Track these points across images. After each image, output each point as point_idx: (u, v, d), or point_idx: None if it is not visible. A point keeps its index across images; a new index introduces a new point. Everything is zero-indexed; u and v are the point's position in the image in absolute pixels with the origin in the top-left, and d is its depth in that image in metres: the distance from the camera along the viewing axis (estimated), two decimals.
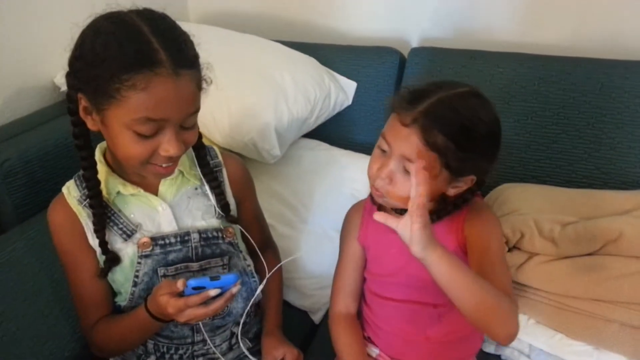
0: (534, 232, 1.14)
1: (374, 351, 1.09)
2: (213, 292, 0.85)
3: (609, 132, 1.34)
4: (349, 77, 1.62)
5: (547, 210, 1.21)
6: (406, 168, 0.85)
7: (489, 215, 0.96)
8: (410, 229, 0.78)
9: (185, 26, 0.87)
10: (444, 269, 0.80)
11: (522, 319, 1.15)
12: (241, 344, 1.02)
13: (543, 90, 1.40)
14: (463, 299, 0.81)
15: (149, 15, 0.82)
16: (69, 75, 0.85)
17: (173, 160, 0.89)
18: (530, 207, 1.22)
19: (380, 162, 0.88)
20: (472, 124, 0.84)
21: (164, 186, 0.99)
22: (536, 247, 1.14)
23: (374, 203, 0.99)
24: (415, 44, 1.69)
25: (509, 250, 1.17)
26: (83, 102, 0.84)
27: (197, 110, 0.87)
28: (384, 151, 0.89)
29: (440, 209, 0.93)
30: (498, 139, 0.89)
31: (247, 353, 1.03)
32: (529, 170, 1.41)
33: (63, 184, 0.99)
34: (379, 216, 0.82)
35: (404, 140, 0.85)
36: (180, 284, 0.84)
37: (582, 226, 1.14)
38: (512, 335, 0.85)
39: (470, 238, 0.93)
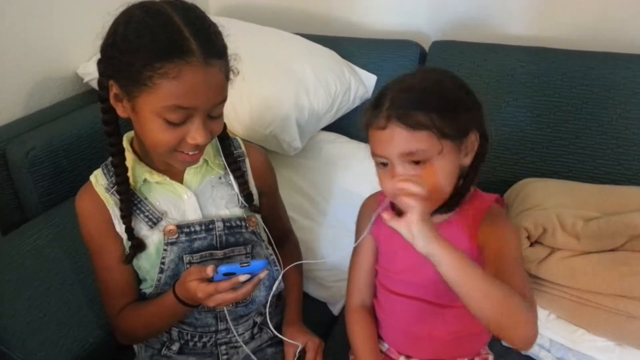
0: (557, 227, 1.14)
1: (384, 346, 1.09)
2: (243, 278, 0.87)
3: (632, 128, 1.33)
4: (369, 71, 1.61)
5: (570, 206, 1.20)
6: (413, 161, 0.84)
7: (506, 222, 0.94)
8: (409, 224, 0.78)
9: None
10: (450, 264, 0.77)
11: (543, 313, 1.15)
12: (269, 323, 1.02)
13: (566, 84, 1.39)
14: (473, 298, 0.78)
15: (180, 6, 0.83)
16: (100, 63, 0.86)
17: (200, 149, 0.91)
18: (552, 202, 1.21)
19: (389, 175, 0.86)
20: (436, 86, 0.85)
21: (189, 175, 1.00)
22: (558, 242, 1.14)
23: (392, 207, 0.94)
24: (435, 37, 1.68)
25: (531, 244, 1.16)
26: (114, 89, 0.86)
27: (225, 99, 0.89)
28: (384, 164, 0.87)
29: (448, 199, 0.90)
30: (466, 88, 0.89)
31: (274, 332, 1.04)
32: (551, 165, 1.40)
33: (87, 173, 1.01)
34: (386, 215, 0.81)
35: (391, 141, 0.84)
36: (210, 270, 0.85)
37: (605, 221, 1.13)
38: (528, 339, 0.81)
39: (486, 246, 0.90)
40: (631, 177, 1.33)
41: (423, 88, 0.85)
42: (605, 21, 1.51)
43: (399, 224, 0.79)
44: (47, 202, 1.22)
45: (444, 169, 0.85)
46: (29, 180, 1.19)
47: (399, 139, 0.83)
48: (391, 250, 1.03)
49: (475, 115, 0.88)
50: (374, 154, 0.88)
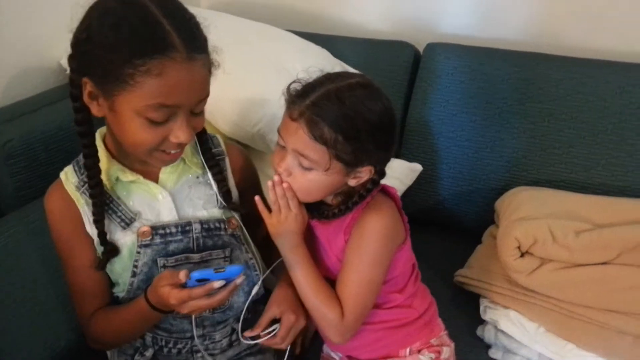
0: (548, 238, 1.11)
1: (337, 354, 1.08)
2: (217, 284, 0.83)
3: (628, 139, 1.31)
4: (361, 71, 1.57)
5: (562, 216, 1.17)
6: (301, 163, 0.86)
7: (370, 221, 0.91)
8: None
9: (196, 11, 0.84)
10: (288, 264, 0.93)
11: (532, 326, 1.13)
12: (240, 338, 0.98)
13: (561, 92, 1.36)
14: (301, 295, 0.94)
15: None
16: (72, 59, 0.82)
17: (182, 147, 0.88)
18: (544, 212, 1.19)
19: (280, 157, 0.89)
20: (357, 114, 0.83)
21: (165, 174, 0.96)
22: (549, 253, 1.11)
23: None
24: (430, 39, 1.66)
25: (522, 255, 1.14)
26: (88, 87, 0.82)
27: (208, 95, 0.86)
28: (283, 147, 0.89)
29: (347, 200, 0.92)
30: (390, 129, 0.88)
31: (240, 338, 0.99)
32: (544, 174, 1.37)
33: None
34: (257, 200, 0.92)
35: (293, 135, 0.85)
36: (182, 275, 0.82)
37: (597, 234, 1.11)
38: (334, 341, 0.94)
39: (348, 242, 0.93)
40: (624, 189, 1.31)
41: (347, 107, 0.82)
42: (602, 29, 1.49)
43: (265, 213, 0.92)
44: (23, 197, 1.17)
45: (319, 183, 0.88)
46: (5, 173, 1.14)
47: (300, 138, 0.84)
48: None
49: (380, 154, 0.88)
50: (278, 131, 0.89)
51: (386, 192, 0.97)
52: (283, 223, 0.90)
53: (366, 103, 0.84)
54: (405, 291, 1.00)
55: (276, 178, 0.89)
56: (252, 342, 0.97)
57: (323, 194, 0.91)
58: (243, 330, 0.98)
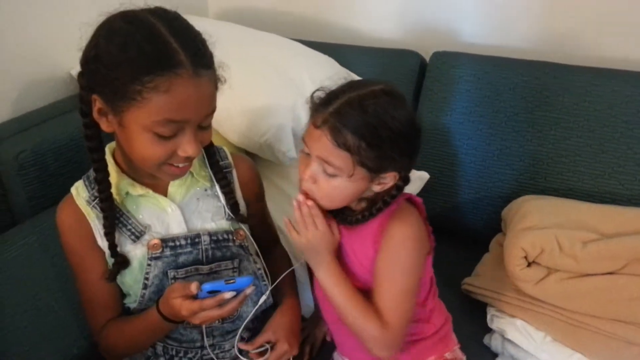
0: (555, 247, 1.11)
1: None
2: (228, 295, 0.85)
3: (635, 148, 1.30)
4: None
5: (569, 226, 1.17)
6: (325, 170, 0.87)
7: (399, 229, 0.92)
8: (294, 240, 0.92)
9: (203, 22, 0.86)
10: (320, 280, 0.92)
11: (539, 335, 1.13)
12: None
13: (568, 101, 1.36)
14: (336, 310, 0.93)
15: (163, 15, 0.81)
16: (82, 76, 0.84)
17: (190, 161, 0.89)
18: (551, 222, 1.19)
19: (304, 164, 0.90)
20: (381, 122, 0.83)
21: (173, 187, 0.97)
22: (556, 263, 1.11)
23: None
24: (437, 47, 1.66)
25: (529, 265, 1.14)
26: (98, 104, 0.83)
27: (214, 110, 0.87)
28: (307, 154, 0.89)
29: (371, 206, 0.92)
30: (414, 136, 0.88)
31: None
32: (551, 182, 1.37)
33: (77, 178, 0.99)
34: (285, 222, 0.94)
35: (317, 142, 0.86)
36: (194, 287, 0.84)
37: (604, 244, 1.11)
38: (376, 354, 0.91)
39: (379, 252, 0.92)
40: (631, 197, 1.30)
41: (371, 114, 0.83)
42: (609, 37, 1.49)
43: (292, 230, 0.93)
44: (35, 206, 1.19)
45: (344, 189, 0.88)
46: (18, 183, 1.16)
47: (324, 145, 0.85)
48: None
49: (404, 161, 0.89)
50: (303, 139, 0.90)
51: (412, 202, 0.97)
52: (311, 241, 0.91)
53: (389, 110, 0.84)
54: (426, 305, 1.01)
55: (300, 197, 0.89)
56: None
57: (347, 200, 0.91)
58: (249, 338, 1.02)
